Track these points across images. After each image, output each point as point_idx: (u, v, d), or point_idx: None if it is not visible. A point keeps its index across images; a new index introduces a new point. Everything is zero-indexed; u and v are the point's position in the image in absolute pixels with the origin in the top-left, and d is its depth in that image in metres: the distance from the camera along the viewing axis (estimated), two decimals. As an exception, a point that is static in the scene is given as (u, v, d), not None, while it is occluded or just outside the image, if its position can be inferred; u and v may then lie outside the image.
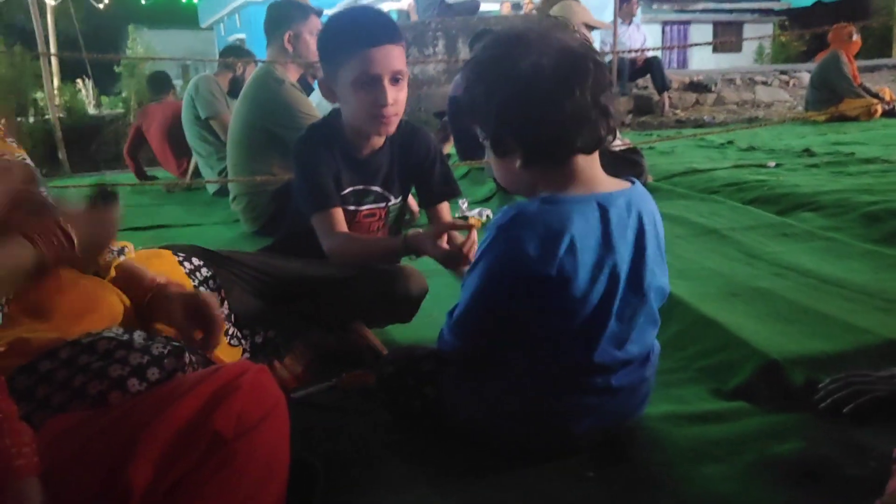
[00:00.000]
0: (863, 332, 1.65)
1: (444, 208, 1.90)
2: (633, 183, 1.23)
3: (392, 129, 1.70)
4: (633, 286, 1.20)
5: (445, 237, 1.49)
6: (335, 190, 1.73)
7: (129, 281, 1.29)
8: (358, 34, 1.62)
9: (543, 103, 1.10)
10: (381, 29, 1.63)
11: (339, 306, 1.74)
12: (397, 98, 1.65)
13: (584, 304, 1.16)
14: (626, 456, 1.27)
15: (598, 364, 1.20)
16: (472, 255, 1.43)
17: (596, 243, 1.15)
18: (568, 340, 1.18)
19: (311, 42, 3.23)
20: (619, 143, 3.65)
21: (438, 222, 1.55)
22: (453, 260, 1.48)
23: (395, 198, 1.85)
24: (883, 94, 6.77)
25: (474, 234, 1.46)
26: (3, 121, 1.23)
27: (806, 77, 8.36)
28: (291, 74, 3.21)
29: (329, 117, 1.79)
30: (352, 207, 1.78)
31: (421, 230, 1.59)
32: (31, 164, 1.21)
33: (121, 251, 1.32)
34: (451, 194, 1.91)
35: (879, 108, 6.48)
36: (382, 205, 1.83)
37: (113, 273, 1.28)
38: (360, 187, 1.78)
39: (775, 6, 21.24)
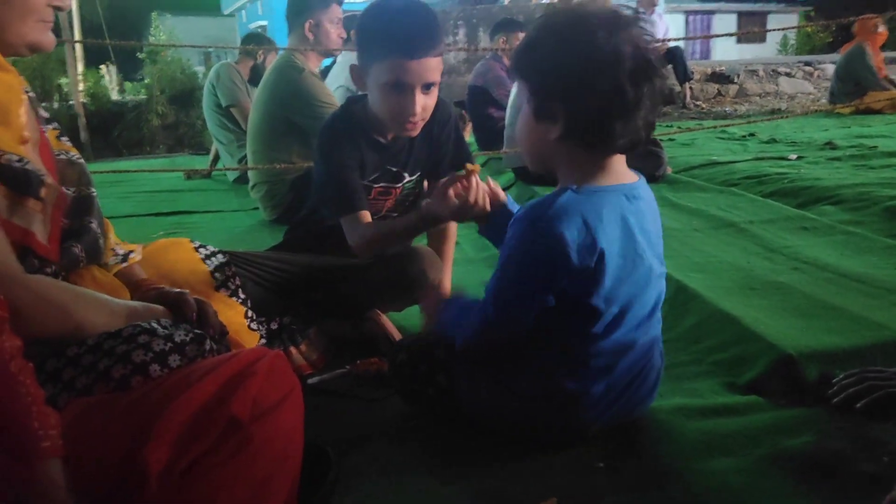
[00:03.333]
0: (880, 328, 1.63)
1: None
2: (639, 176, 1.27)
3: (416, 132, 1.67)
4: (651, 272, 1.23)
5: (451, 193, 1.44)
6: (360, 183, 1.72)
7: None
8: (398, 40, 1.55)
9: (607, 87, 1.10)
10: (423, 39, 1.56)
11: (356, 295, 1.76)
12: (426, 104, 1.63)
13: (614, 291, 1.17)
14: (636, 447, 1.28)
15: (613, 348, 1.22)
16: (480, 201, 1.41)
17: (623, 233, 1.17)
18: (589, 328, 1.19)
19: (332, 31, 3.24)
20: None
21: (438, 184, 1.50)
22: (466, 212, 1.44)
23: (411, 175, 1.82)
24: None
25: (475, 179, 1.42)
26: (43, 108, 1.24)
27: (830, 69, 8.25)
28: (312, 63, 3.22)
29: (352, 104, 1.76)
30: (365, 185, 1.77)
31: (428, 204, 1.54)
32: (82, 160, 1.24)
33: (125, 256, 1.32)
34: (463, 162, 1.88)
35: (907, 101, 6.38)
36: (398, 184, 1.82)
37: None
38: (381, 172, 1.77)
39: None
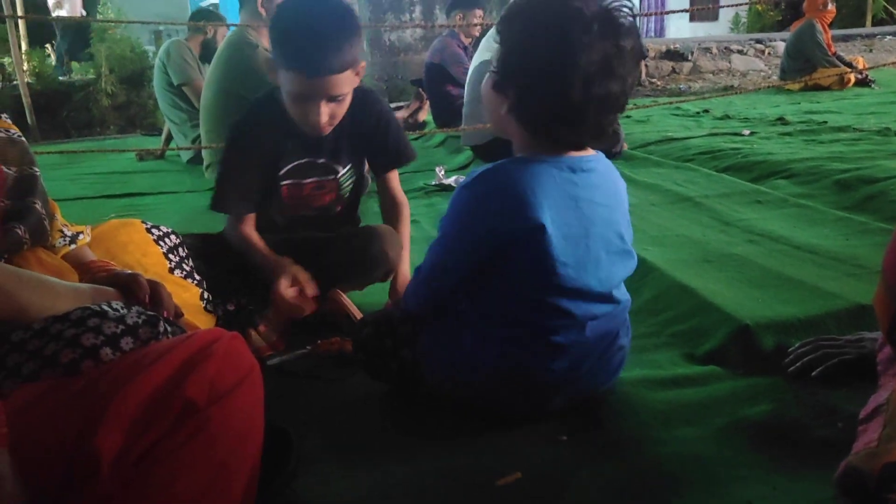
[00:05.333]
0: (833, 297, 1.67)
1: (393, 177, 1.86)
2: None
3: (327, 132, 1.64)
4: (604, 246, 1.23)
5: (295, 289, 1.53)
6: (275, 169, 1.70)
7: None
8: (300, 57, 1.50)
9: (556, 87, 1.10)
10: (326, 59, 1.49)
11: (315, 275, 1.73)
12: (335, 112, 1.59)
13: (555, 259, 1.17)
14: (598, 420, 1.29)
15: (572, 324, 1.21)
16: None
17: (566, 203, 1.17)
18: (540, 296, 1.19)
19: None
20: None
21: (293, 273, 1.58)
22: (289, 310, 1.55)
23: (344, 168, 1.79)
24: (856, 64, 6.80)
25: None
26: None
27: (781, 46, 8.37)
28: (265, 39, 3.15)
29: (276, 91, 1.69)
30: (294, 181, 1.74)
31: (286, 264, 1.60)
32: (24, 139, 1.18)
33: (74, 238, 1.28)
34: (404, 160, 1.85)
35: (852, 78, 6.51)
36: (331, 177, 1.78)
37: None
38: (305, 160, 1.73)
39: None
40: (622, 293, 1.30)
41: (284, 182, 1.73)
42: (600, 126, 1.15)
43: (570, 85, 1.08)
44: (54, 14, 6.16)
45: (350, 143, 1.76)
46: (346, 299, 1.69)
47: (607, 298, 1.25)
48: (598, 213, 1.21)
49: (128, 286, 1.17)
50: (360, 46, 1.57)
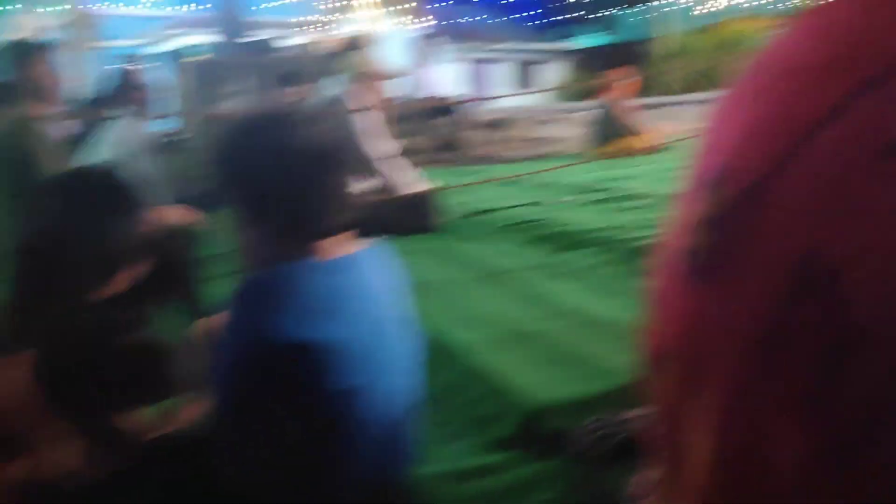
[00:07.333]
0: (615, 374, 1.71)
1: None
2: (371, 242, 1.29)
3: None
4: (395, 333, 1.23)
5: None
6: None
7: None
8: None
9: (311, 178, 1.13)
10: None
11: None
12: None
13: (346, 360, 1.13)
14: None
15: (363, 416, 1.18)
16: None
17: (343, 302, 1.15)
18: (332, 400, 1.14)
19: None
20: (412, 184, 3.71)
21: None
22: None
23: None
24: (660, 131, 7.43)
25: None
26: None
27: (591, 115, 9.04)
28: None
29: None
30: None
31: None
32: None
33: None
34: None
35: (656, 145, 7.10)
36: None
37: None
38: None
39: (572, 47, 22.89)
40: (411, 372, 1.29)
41: None
42: (345, 204, 1.19)
43: (321, 172, 1.14)
44: None
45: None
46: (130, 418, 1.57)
47: (400, 384, 1.24)
48: (384, 304, 1.22)
49: None
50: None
